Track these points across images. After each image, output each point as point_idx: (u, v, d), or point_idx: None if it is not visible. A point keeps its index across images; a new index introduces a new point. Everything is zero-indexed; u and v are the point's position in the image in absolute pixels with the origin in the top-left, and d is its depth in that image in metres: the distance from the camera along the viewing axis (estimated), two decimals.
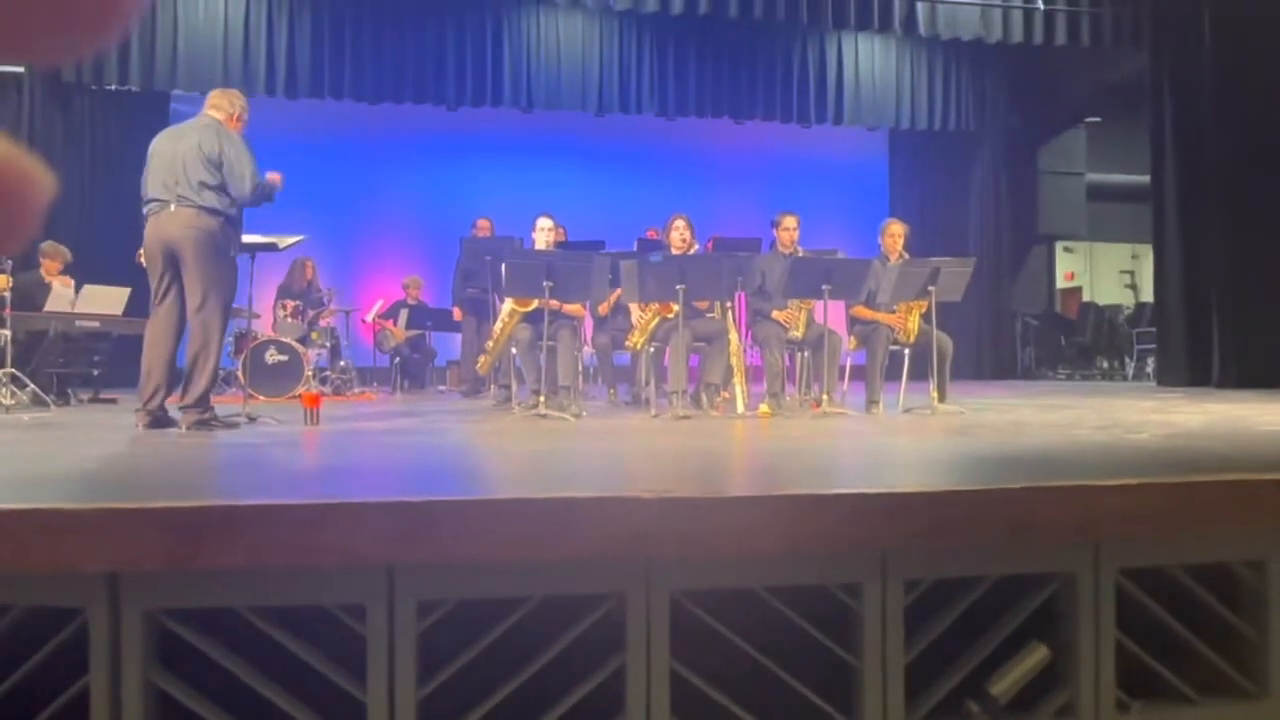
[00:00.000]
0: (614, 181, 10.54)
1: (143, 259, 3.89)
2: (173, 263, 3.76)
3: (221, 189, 3.76)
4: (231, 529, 1.60)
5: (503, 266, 4.29)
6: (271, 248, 4.01)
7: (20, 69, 8.73)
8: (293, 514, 1.62)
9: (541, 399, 4.23)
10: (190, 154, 3.75)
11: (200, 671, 1.68)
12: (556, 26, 9.76)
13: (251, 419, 4.06)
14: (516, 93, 9.70)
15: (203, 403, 3.81)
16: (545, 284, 4.17)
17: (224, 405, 4.29)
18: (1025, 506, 1.84)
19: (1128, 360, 11.33)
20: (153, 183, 3.81)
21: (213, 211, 3.73)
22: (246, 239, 4.05)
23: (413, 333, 8.22)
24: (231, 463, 2.74)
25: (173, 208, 3.74)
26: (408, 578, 1.67)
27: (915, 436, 3.44)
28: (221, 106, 3.95)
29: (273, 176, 3.85)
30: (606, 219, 9.30)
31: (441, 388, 8.68)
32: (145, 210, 3.84)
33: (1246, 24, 7.56)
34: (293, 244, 4.11)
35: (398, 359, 8.18)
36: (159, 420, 3.84)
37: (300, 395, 4.05)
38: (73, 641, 1.64)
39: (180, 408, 3.81)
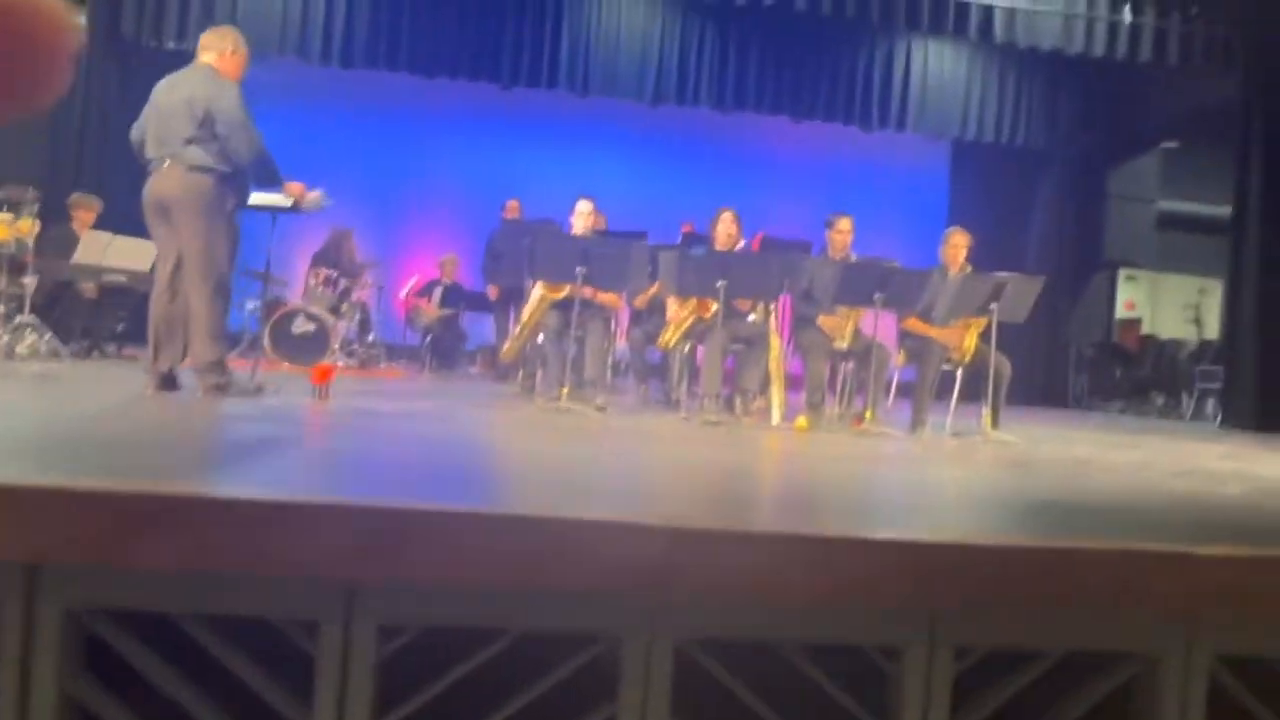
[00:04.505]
0: (663, 174, 10.27)
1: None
2: (168, 222, 3.57)
3: (210, 142, 3.51)
4: (166, 522, 1.36)
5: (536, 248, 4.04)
6: (292, 209, 3.80)
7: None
8: (239, 511, 1.38)
9: (564, 392, 3.98)
10: (179, 106, 3.53)
11: (128, 681, 1.45)
12: (619, 11, 9.51)
13: (260, 388, 3.87)
14: (573, 76, 9.45)
15: (217, 368, 3.63)
16: (579, 269, 3.92)
17: (236, 369, 4.10)
18: (1109, 572, 1.55)
19: (1186, 398, 10.77)
20: (147, 138, 3.62)
21: (203, 169, 3.51)
22: (265, 199, 3.86)
23: (446, 312, 8.04)
24: (200, 440, 2.51)
25: (166, 165, 3.54)
26: (369, 596, 1.43)
27: (967, 468, 3.13)
28: (213, 46, 3.65)
29: (294, 189, 3.64)
30: (652, 211, 9.01)
31: (472, 369, 8.50)
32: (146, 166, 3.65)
33: None
34: (314, 206, 3.90)
35: (429, 338, 8.00)
36: (167, 383, 3.68)
37: (313, 369, 3.84)
38: None
39: (194, 371, 3.64)
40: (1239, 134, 8.20)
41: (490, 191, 8.87)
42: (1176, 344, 11.68)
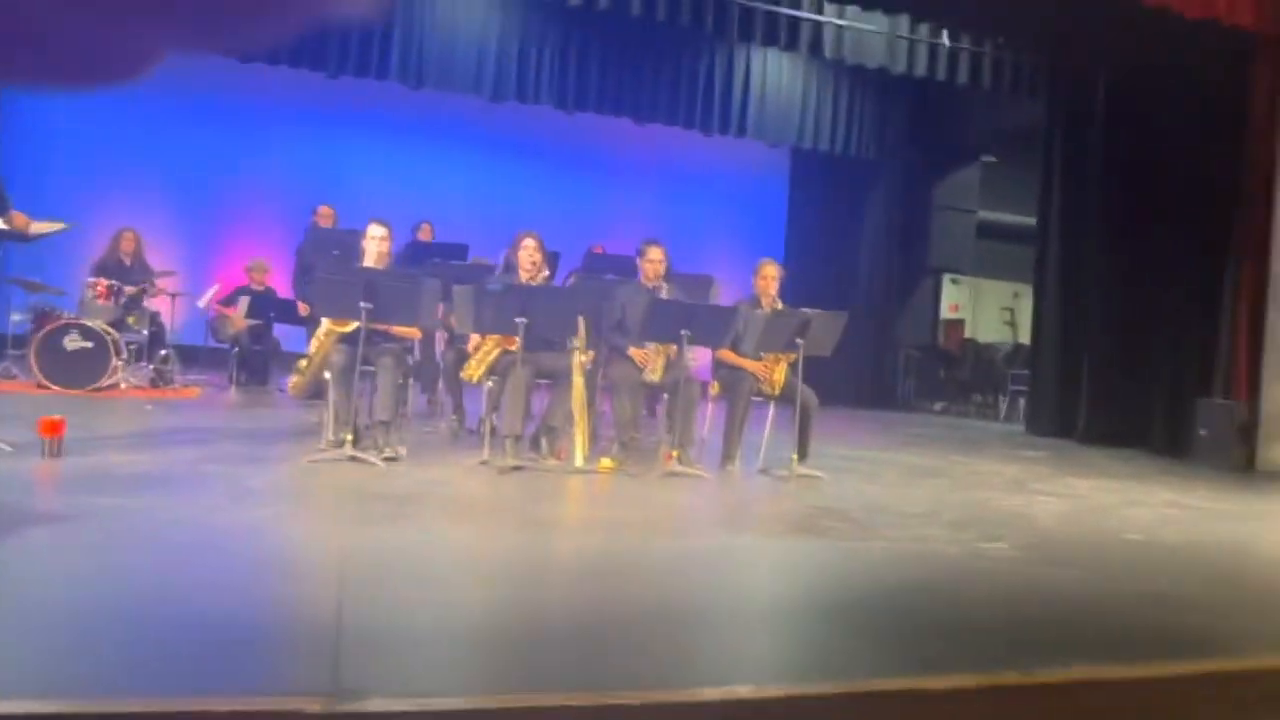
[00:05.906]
0: (501, 175, 9.92)
1: None
2: None
3: None
4: None
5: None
6: (16, 238, 3.26)
7: None
8: None
9: (349, 438, 3.64)
10: None
11: None
12: (454, 2, 9.05)
13: None
14: (405, 68, 8.89)
15: None
16: (363, 305, 3.58)
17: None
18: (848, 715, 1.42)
19: (1001, 399, 11.50)
20: None
21: None
22: None
23: (253, 323, 7.40)
24: None
25: None
26: None
27: (756, 535, 3.04)
28: None
29: (18, 219, 3.12)
30: (488, 213, 8.67)
31: (285, 380, 7.88)
32: None
33: (1139, 86, 7.60)
34: (48, 233, 3.38)
35: (236, 349, 7.35)
36: None
37: (39, 422, 3.30)
38: None
39: None
40: (1043, 153, 8.80)
41: (310, 190, 8.24)
42: (994, 347, 12.46)
